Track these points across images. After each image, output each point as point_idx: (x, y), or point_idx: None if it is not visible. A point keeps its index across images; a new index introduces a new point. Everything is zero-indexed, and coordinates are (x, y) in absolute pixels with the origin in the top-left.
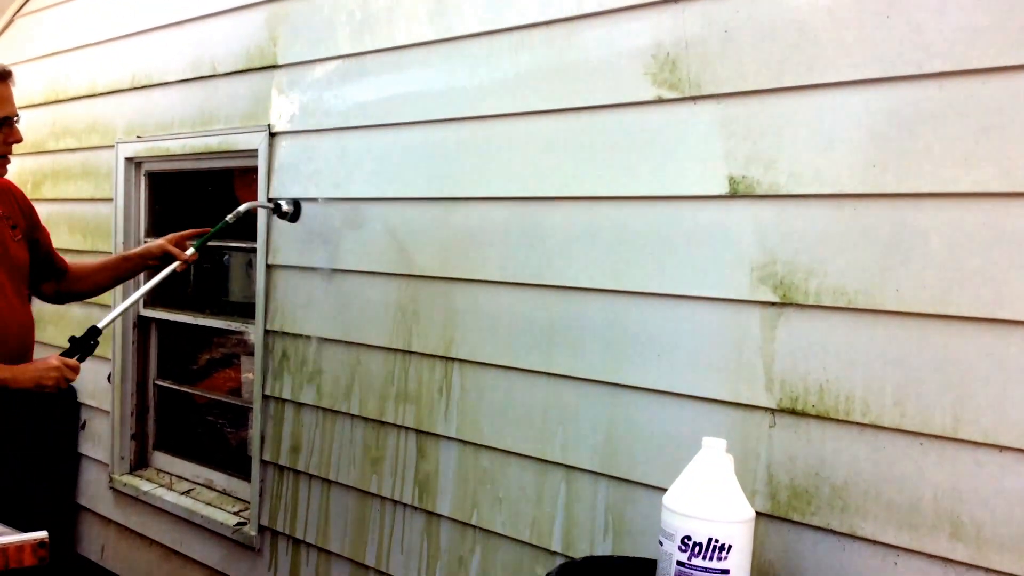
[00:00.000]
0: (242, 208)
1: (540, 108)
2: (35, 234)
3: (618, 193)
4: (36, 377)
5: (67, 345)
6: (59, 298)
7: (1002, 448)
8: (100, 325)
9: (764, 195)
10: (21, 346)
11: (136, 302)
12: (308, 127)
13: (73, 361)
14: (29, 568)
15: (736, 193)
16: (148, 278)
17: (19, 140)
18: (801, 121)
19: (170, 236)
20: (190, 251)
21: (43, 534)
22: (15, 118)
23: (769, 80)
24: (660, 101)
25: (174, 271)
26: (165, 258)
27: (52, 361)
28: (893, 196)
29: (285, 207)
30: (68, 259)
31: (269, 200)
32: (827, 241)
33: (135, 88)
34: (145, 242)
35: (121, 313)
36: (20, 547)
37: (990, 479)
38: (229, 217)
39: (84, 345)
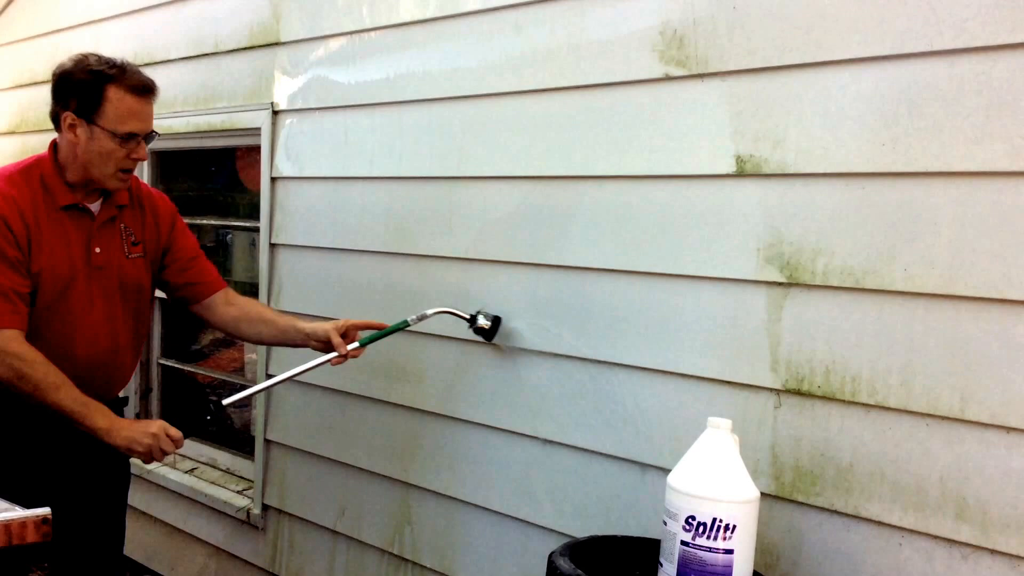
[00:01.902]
0: (429, 312)
1: (545, 86)
2: (169, 255)
3: (623, 172)
4: (130, 438)
5: None
6: (219, 327)
7: (1009, 429)
8: (224, 402)
9: (772, 174)
10: (103, 370)
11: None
12: (311, 105)
13: (176, 432)
14: (32, 545)
15: (743, 172)
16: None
17: (143, 159)
18: (809, 99)
19: (340, 323)
20: (354, 345)
21: (46, 510)
22: (144, 135)
23: (777, 57)
24: (667, 79)
25: (328, 362)
26: (328, 345)
27: (152, 427)
28: (902, 175)
29: (482, 322)
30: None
31: (466, 313)
32: (835, 221)
33: (138, 66)
34: None
35: (255, 393)
36: (23, 523)
37: (997, 460)
38: (411, 318)
39: (198, 418)
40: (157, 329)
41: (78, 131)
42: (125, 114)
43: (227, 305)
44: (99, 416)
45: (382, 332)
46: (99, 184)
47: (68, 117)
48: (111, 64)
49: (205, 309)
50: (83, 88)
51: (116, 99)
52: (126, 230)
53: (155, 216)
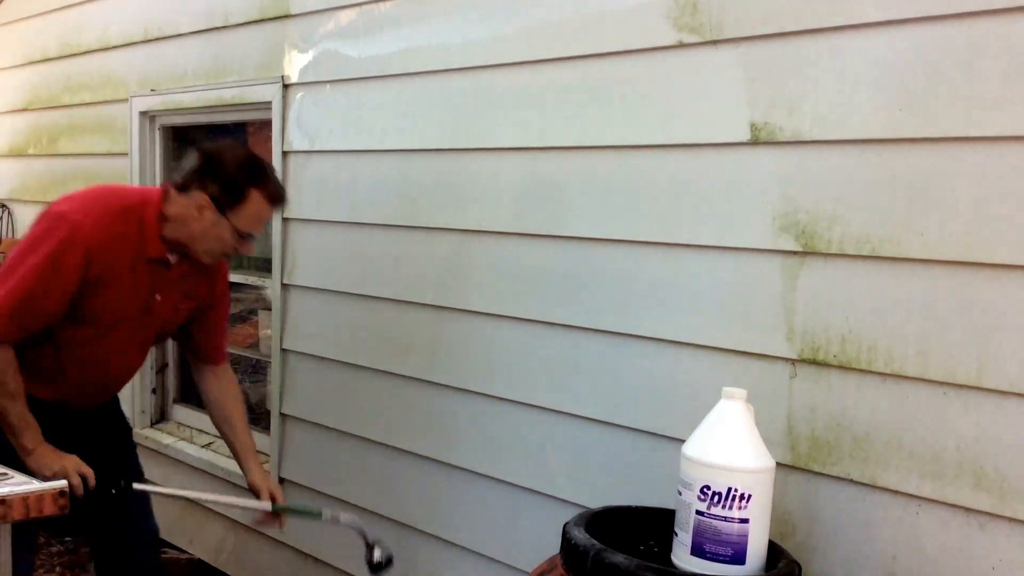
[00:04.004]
0: (342, 518)
1: (557, 56)
2: (204, 313)
3: (637, 142)
4: (39, 467)
5: None
6: (198, 387)
7: None
8: (135, 486)
9: (787, 141)
10: (117, 383)
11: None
12: (322, 78)
13: (88, 470)
14: (49, 517)
15: (758, 140)
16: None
17: (249, 254)
18: (825, 65)
19: (273, 488)
20: (268, 507)
21: (63, 483)
22: (256, 236)
23: (792, 22)
24: (681, 46)
25: (246, 510)
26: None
27: (67, 465)
28: (919, 141)
29: (378, 556)
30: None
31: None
32: (851, 188)
33: (148, 41)
34: None
35: (165, 495)
36: (40, 496)
37: (1016, 428)
38: (326, 513)
39: (110, 483)
40: None
41: (205, 212)
42: (255, 218)
43: (214, 377)
44: (29, 437)
45: (294, 510)
46: (193, 255)
47: (202, 198)
48: (258, 165)
49: (197, 364)
50: (228, 181)
51: (255, 203)
52: (188, 286)
53: (213, 282)
